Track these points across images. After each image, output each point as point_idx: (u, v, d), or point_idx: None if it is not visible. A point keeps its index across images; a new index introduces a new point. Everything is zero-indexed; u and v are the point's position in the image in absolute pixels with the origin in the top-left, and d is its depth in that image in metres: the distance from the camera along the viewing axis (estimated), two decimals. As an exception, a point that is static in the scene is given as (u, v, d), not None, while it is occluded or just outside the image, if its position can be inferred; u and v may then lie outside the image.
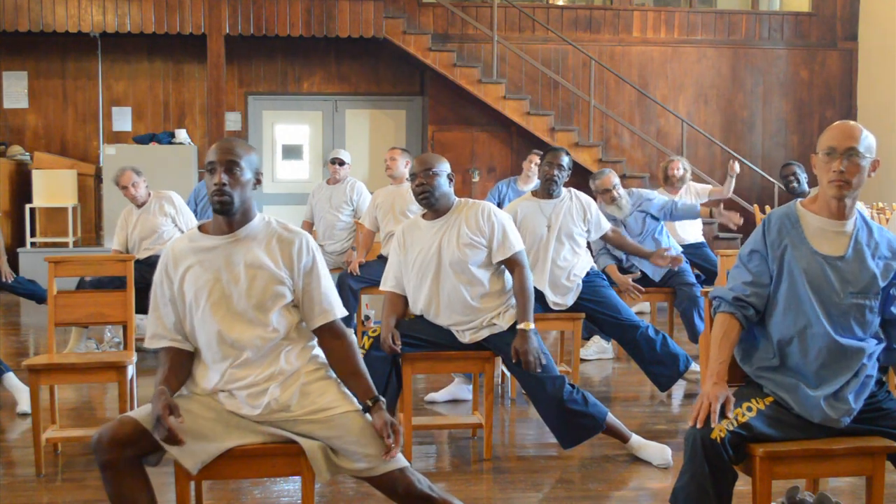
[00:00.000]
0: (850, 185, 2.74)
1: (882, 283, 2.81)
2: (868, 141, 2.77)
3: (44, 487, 3.81)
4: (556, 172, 5.09)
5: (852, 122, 2.82)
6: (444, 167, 4.04)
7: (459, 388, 5.11)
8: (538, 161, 7.81)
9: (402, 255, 4.11)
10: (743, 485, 3.62)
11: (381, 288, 4.21)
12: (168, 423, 2.53)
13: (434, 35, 11.04)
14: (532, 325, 3.93)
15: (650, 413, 5.05)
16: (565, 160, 5.12)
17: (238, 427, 2.75)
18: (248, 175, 2.76)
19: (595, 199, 5.69)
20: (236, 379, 2.76)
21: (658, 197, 6.32)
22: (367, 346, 4.02)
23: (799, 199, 2.94)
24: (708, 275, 7.00)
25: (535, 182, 8.12)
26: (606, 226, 5.33)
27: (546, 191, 5.19)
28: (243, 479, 3.72)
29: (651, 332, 5.06)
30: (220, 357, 2.78)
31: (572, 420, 3.96)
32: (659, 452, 4.11)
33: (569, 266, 5.16)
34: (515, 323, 3.98)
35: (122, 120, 11.36)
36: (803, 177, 6.87)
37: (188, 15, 10.31)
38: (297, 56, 11.43)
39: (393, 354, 3.99)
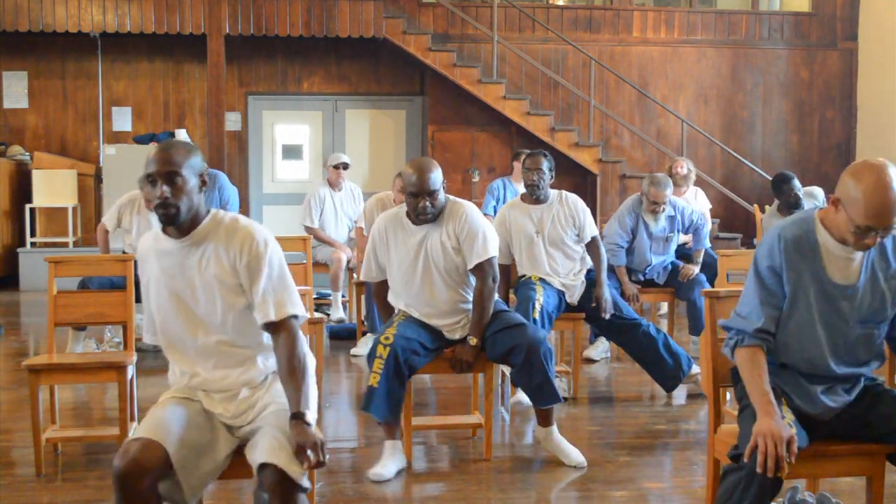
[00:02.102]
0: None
1: (891, 308, 2.73)
2: None
3: (44, 487, 3.81)
4: (535, 178, 5.11)
5: (892, 188, 2.51)
6: (440, 178, 3.96)
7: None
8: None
9: (383, 250, 4.11)
10: (743, 485, 3.62)
11: (364, 279, 4.27)
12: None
13: (434, 35, 11.04)
14: (476, 342, 3.99)
15: (650, 413, 5.04)
16: (545, 164, 5.12)
17: (219, 430, 2.73)
18: (192, 181, 2.67)
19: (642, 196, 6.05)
20: (209, 381, 2.76)
21: (695, 212, 6.29)
22: (384, 356, 3.85)
23: (816, 210, 2.73)
24: (707, 270, 7.04)
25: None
26: (594, 233, 5.27)
27: (532, 196, 5.21)
28: (243, 479, 3.72)
29: (653, 331, 5.08)
30: (190, 359, 2.78)
31: (544, 379, 3.96)
32: (575, 455, 4.05)
33: (566, 270, 5.19)
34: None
35: (122, 120, 11.35)
36: (799, 186, 6.65)
37: (188, 15, 10.31)
38: (297, 56, 11.43)
39: (409, 370, 3.94)
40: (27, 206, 10.37)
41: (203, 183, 2.72)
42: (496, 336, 4.00)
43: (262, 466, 2.49)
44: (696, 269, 6.16)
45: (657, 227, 6.10)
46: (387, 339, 3.88)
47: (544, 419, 4.09)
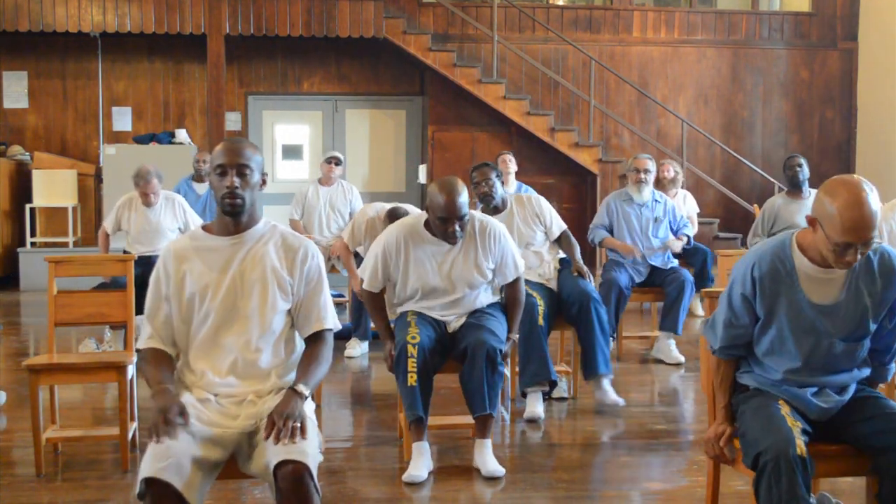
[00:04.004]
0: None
1: (873, 323, 2.74)
2: (879, 211, 2.57)
3: (44, 487, 3.81)
4: (486, 188, 5.09)
5: (866, 203, 2.53)
6: (468, 199, 3.94)
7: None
8: (509, 159, 8.14)
9: (397, 262, 4.03)
10: (742, 485, 3.63)
11: (368, 288, 4.14)
12: (174, 424, 2.48)
13: (434, 35, 11.04)
14: (516, 336, 4.20)
15: (650, 413, 5.05)
16: (493, 173, 5.11)
17: (222, 443, 2.64)
18: (256, 177, 2.76)
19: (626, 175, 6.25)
20: (216, 385, 2.72)
21: (681, 217, 6.52)
22: (415, 354, 3.83)
23: (793, 233, 2.74)
24: (695, 256, 7.10)
25: (513, 179, 8.24)
26: (561, 228, 5.26)
27: (489, 207, 5.16)
28: (243, 480, 3.72)
29: (604, 312, 5.04)
30: (209, 358, 2.75)
31: (477, 386, 3.89)
32: (492, 466, 3.94)
33: (536, 265, 5.15)
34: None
35: (122, 120, 11.36)
36: (806, 169, 6.89)
37: (188, 15, 10.31)
38: (297, 56, 11.43)
39: (433, 370, 3.93)
40: (27, 206, 10.37)
41: (263, 181, 2.81)
42: (463, 333, 3.99)
43: (278, 466, 2.45)
44: (678, 245, 6.34)
45: (644, 198, 6.29)
46: (413, 338, 3.87)
47: (479, 429, 3.99)
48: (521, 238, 5.14)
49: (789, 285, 2.71)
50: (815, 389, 2.76)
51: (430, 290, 4.03)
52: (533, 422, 4.75)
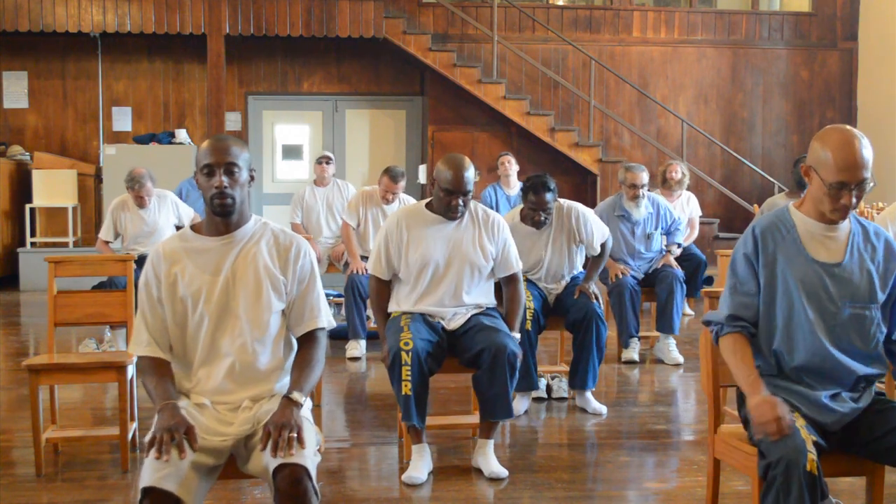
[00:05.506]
0: (854, 208, 2.64)
1: (881, 293, 2.70)
2: (871, 156, 2.61)
3: (44, 487, 3.80)
4: (543, 217, 4.90)
5: (858, 143, 2.60)
6: (473, 177, 3.95)
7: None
8: (509, 160, 8.22)
9: (398, 246, 3.99)
10: (743, 485, 3.63)
11: (373, 272, 4.10)
12: (182, 446, 2.45)
13: (434, 35, 11.05)
14: (517, 335, 4.03)
15: (650, 413, 5.05)
16: (549, 196, 4.85)
17: (218, 449, 2.61)
18: (245, 175, 2.70)
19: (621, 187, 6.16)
20: (211, 392, 2.69)
21: (674, 220, 6.44)
22: (409, 362, 3.79)
23: (791, 202, 2.80)
24: (689, 262, 7.09)
25: (515, 181, 8.23)
26: (603, 240, 5.11)
27: (536, 227, 4.98)
28: (243, 479, 3.72)
29: (605, 330, 4.96)
30: (203, 363, 2.71)
31: (502, 390, 3.87)
32: (496, 468, 3.94)
33: (549, 282, 5.13)
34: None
35: (122, 120, 11.36)
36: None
37: (188, 15, 10.31)
38: (297, 56, 11.44)
39: (429, 373, 3.90)
40: (27, 206, 10.38)
41: (252, 178, 2.76)
42: (474, 335, 3.93)
43: (277, 469, 2.44)
44: (672, 257, 6.32)
45: (640, 215, 6.19)
46: (406, 344, 3.80)
47: (486, 430, 3.98)
48: (551, 262, 5.05)
49: (790, 244, 2.71)
50: (830, 393, 2.67)
51: (430, 268, 3.96)
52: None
